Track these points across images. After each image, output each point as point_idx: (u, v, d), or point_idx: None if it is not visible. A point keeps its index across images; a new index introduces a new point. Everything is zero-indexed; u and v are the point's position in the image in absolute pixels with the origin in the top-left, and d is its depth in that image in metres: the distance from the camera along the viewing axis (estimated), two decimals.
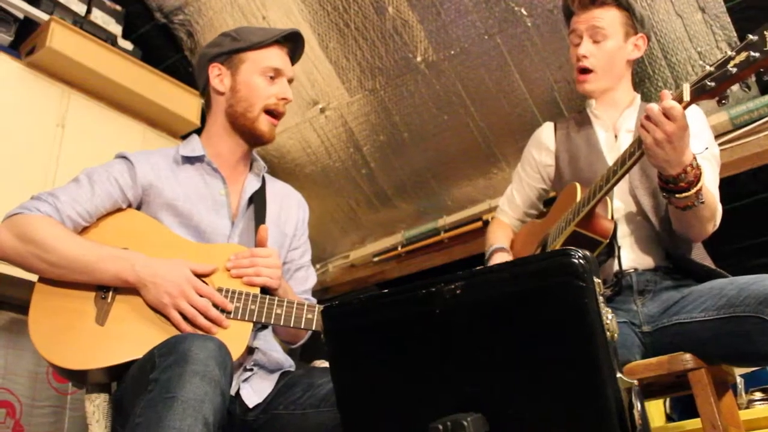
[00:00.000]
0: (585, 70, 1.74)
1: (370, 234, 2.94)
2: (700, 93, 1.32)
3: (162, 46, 2.86)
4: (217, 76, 1.57)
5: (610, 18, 1.72)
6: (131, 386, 1.24)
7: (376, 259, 2.84)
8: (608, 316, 0.88)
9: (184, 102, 2.68)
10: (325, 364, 1.67)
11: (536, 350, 0.88)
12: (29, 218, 1.37)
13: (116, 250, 1.37)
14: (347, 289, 2.92)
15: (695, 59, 2.20)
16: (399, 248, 2.78)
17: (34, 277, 2.17)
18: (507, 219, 2.04)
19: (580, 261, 0.87)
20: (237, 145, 1.58)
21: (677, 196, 1.41)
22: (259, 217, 1.55)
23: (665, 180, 1.41)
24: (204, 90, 1.63)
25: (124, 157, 1.52)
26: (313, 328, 1.38)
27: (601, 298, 0.88)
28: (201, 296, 1.34)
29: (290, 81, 1.60)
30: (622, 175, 1.46)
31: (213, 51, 1.59)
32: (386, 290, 0.96)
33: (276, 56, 1.58)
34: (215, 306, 1.35)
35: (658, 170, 1.41)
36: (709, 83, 1.30)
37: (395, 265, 2.80)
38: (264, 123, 1.55)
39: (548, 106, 2.42)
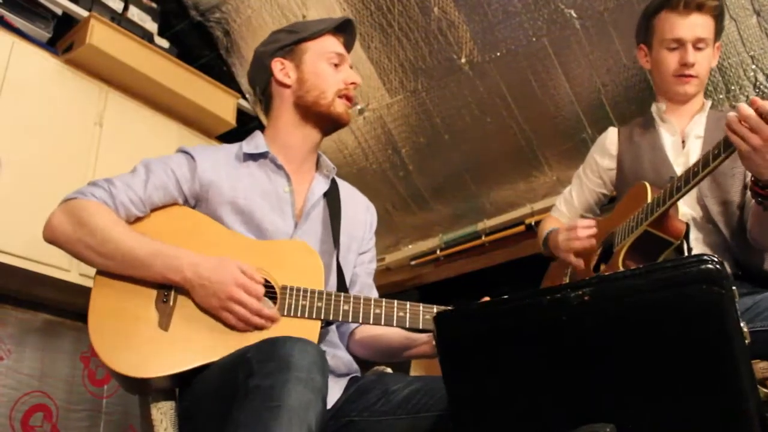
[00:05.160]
0: (689, 75, 1.74)
1: (405, 237, 2.90)
2: None
3: (196, 44, 2.82)
4: (281, 69, 1.54)
5: (709, 27, 1.72)
6: (212, 392, 1.19)
7: (413, 262, 2.80)
8: (742, 323, 0.85)
9: (220, 101, 2.65)
10: (387, 369, 1.62)
11: (672, 359, 0.85)
12: (85, 203, 1.33)
13: (168, 247, 1.32)
14: (382, 293, 2.87)
15: (747, 63, 2.18)
16: (438, 252, 2.75)
17: (68, 277, 2.16)
18: (562, 218, 2.02)
19: (717, 267, 0.84)
20: (307, 136, 1.54)
21: None
22: (334, 220, 1.50)
23: (762, 186, 1.38)
24: (264, 90, 1.59)
25: (185, 152, 1.48)
26: (383, 323, 1.34)
27: (738, 306, 0.85)
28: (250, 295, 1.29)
29: (350, 67, 1.59)
30: (704, 176, 1.43)
31: (272, 47, 1.56)
32: (505, 296, 0.92)
33: (336, 43, 1.57)
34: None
35: (753, 175, 1.38)
36: None
37: (432, 269, 2.77)
38: (340, 105, 1.52)
39: (594, 109, 2.40)
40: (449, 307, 1.39)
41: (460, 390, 0.93)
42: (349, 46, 1.63)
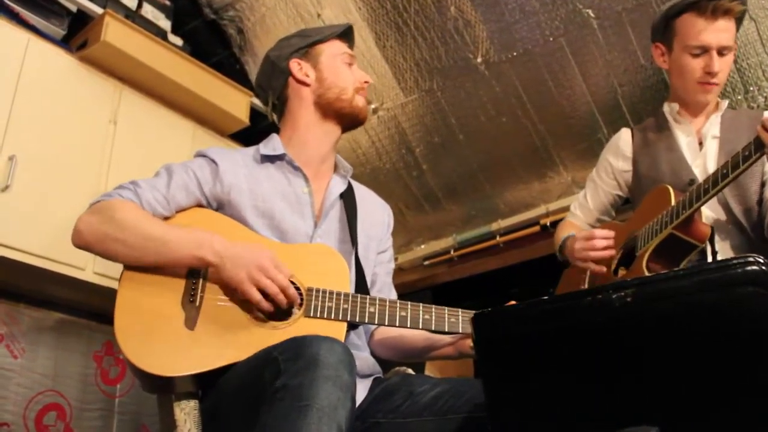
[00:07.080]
0: (713, 83, 1.71)
1: (417, 237, 2.89)
2: None
3: (209, 42, 2.81)
4: (300, 69, 1.58)
5: (732, 32, 1.69)
6: (238, 391, 1.18)
7: (426, 262, 2.79)
8: None
9: (233, 99, 2.64)
10: (409, 370, 1.61)
11: (716, 361, 0.84)
12: (111, 202, 1.35)
13: (197, 228, 1.33)
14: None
15: (767, 64, 2.16)
16: (451, 252, 2.74)
17: (82, 276, 2.14)
18: (578, 222, 2.00)
19: (764, 268, 0.83)
20: (327, 134, 1.56)
21: None
22: (351, 220, 1.51)
23: None
24: (280, 93, 1.59)
25: (204, 155, 1.49)
26: (408, 326, 1.34)
27: None
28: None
29: None
30: (734, 179, 1.42)
31: (287, 50, 1.59)
32: (545, 297, 0.91)
33: (345, 46, 1.63)
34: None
35: None
36: None
37: (446, 269, 2.75)
38: (360, 100, 1.58)
39: (610, 110, 2.39)
40: (472, 311, 1.39)
41: (500, 391, 0.92)
42: (352, 50, 1.70)
